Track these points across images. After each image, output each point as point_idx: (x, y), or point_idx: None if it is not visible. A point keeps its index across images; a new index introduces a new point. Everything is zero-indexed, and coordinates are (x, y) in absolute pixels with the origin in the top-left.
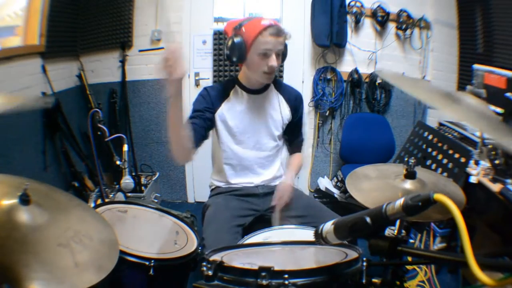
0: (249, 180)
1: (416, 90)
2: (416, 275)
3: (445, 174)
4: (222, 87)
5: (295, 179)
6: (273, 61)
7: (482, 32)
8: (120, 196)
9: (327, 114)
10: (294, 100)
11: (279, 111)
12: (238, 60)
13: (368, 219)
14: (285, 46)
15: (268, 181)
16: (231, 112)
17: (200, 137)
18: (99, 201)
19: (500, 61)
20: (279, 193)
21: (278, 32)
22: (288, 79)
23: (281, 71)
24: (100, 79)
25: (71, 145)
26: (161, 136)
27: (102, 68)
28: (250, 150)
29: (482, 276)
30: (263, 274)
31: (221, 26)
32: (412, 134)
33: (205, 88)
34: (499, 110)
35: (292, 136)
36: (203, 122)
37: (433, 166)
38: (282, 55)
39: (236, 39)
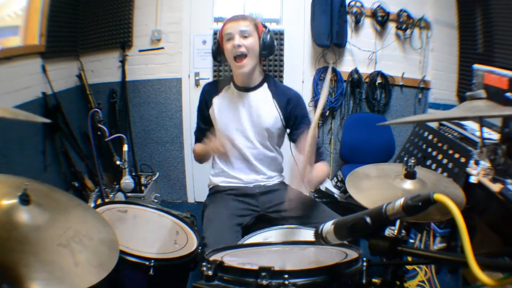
0: (242, 176)
1: None
2: (416, 275)
3: (445, 174)
4: (218, 84)
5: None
6: (236, 40)
7: (482, 32)
8: (120, 196)
9: (327, 114)
10: (286, 103)
11: (267, 109)
12: (218, 57)
13: (368, 219)
14: (271, 38)
15: (263, 180)
16: (219, 107)
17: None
18: (99, 201)
19: (500, 61)
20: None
21: (236, 17)
22: (288, 79)
23: (281, 71)
24: (100, 79)
25: (71, 145)
26: (161, 136)
27: (102, 68)
28: (240, 147)
29: (482, 276)
30: (263, 274)
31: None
32: (412, 134)
33: (205, 84)
34: None
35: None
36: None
37: (433, 166)
38: (263, 42)
39: (215, 41)
